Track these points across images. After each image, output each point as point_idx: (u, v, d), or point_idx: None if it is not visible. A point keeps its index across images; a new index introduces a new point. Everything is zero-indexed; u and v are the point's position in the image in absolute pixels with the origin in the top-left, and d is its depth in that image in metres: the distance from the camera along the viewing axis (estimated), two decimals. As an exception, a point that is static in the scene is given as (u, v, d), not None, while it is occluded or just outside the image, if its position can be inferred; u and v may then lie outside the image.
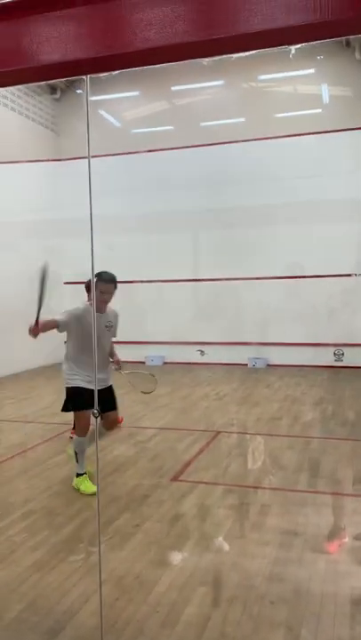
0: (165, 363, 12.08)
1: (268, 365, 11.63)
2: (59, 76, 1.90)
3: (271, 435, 6.23)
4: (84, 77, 2.01)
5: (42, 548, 3.55)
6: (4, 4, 1.84)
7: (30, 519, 3.99)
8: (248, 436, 6.29)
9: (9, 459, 5.44)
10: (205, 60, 1.87)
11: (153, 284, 12.13)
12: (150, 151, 12.06)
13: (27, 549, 3.53)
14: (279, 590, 3.00)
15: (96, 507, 4.06)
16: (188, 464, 5.16)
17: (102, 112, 12.51)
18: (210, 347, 11.52)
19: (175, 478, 4.78)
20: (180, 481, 4.72)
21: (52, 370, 11.70)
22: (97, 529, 3.54)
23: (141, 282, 11.95)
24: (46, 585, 3.11)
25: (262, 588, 3.02)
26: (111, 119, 12.79)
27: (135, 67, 1.79)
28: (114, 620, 2.75)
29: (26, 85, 10.97)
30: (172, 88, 12.28)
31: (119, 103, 12.64)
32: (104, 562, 3.17)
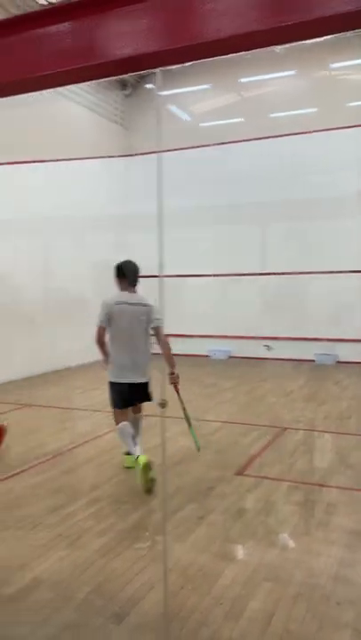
0: (231, 357, 12.04)
1: (338, 362, 11.34)
2: (130, 70, 1.92)
3: (339, 433, 6.08)
4: (154, 71, 2.03)
5: (108, 534, 3.64)
6: (78, 3, 1.87)
7: (97, 506, 4.10)
8: (315, 433, 6.17)
9: (78, 446, 5.61)
10: (277, 48, 1.83)
11: (221, 277, 12.10)
12: (220, 144, 12.00)
13: (93, 535, 3.63)
14: (346, 591, 2.93)
15: (161, 496, 4.12)
16: (253, 459, 5.13)
17: (172, 106, 12.58)
18: (277, 342, 11.37)
19: (240, 472, 4.76)
20: (245, 475, 4.70)
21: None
22: (162, 518, 3.58)
23: (210, 275, 11.95)
24: (112, 570, 3.19)
25: (328, 588, 2.96)
26: (181, 113, 12.83)
27: (207, 57, 1.78)
28: (178, 610, 2.78)
29: (97, 82, 11.19)
30: (242, 80, 12.15)
31: (189, 97, 12.65)
32: (168, 552, 3.21)
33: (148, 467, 4.23)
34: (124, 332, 4.52)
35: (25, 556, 3.36)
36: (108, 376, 4.65)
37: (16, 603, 2.90)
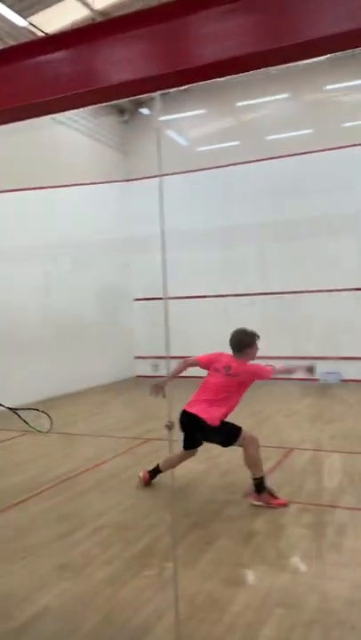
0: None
1: (342, 380, 11.28)
2: (130, 94, 1.94)
3: (348, 452, 6.00)
4: (153, 95, 2.05)
5: (115, 562, 3.56)
6: (76, 30, 1.90)
7: (103, 533, 4.03)
8: (323, 453, 6.09)
9: (82, 472, 5.53)
10: (273, 69, 1.85)
11: (220, 298, 12.11)
12: (217, 167, 12.13)
13: (100, 563, 3.56)
14: (361, 616, 2.86)
15: (169, 522, 4.05)
16: (260, 481, 5.05)
17: (169, 132, 12.74)
18: (278, 361, 11.29)
19: (248, 495, 4.69)
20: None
21: (120, 385, 11.89)
22: (170, 544, 3.51)
23: (208, 297, 11.95)
24: (120, 599, 3.11)
25: (342, 613, 2.88)
26: (178, 138, 12.99)
27: (206, 80, 1.80)
28: (189, 638, 2.71)
29: (95, 109, 11.36)
30: (238, 104, 12.33)
31: (185, 122, 12.82)
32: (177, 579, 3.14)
33: None
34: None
35: (28, 587, 3.28)
36: None
37: (21, 636, 2.82)
